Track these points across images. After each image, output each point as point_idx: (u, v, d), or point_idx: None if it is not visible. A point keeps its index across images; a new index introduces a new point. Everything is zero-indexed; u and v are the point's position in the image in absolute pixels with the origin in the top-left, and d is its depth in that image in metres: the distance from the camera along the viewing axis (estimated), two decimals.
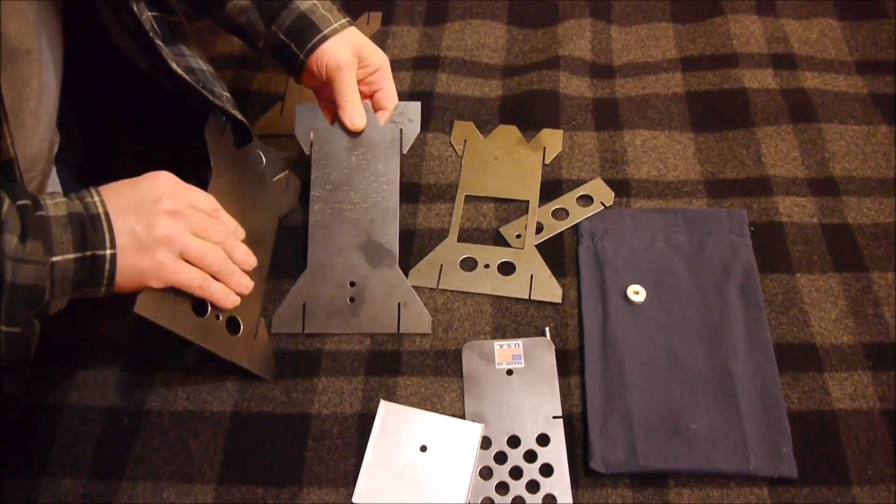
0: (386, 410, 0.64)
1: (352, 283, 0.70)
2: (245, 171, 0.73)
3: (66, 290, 0.53)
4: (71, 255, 0.52)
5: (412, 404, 0.65)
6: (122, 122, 0.78)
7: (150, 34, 0.63)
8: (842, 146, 0.82)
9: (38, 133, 0.60)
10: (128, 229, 0.55)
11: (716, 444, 0.61)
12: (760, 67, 0.89)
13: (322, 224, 0.72)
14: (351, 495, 0.60)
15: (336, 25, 0.70)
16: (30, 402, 0.65)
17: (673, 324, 0.68)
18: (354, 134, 0.73)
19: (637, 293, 0.70)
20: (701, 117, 0.85)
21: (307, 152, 0.74)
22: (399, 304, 0.70)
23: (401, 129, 0.73)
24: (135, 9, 0.61)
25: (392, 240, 0.71)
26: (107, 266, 0.54)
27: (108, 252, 0.54)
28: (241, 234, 0.65)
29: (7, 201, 0.49)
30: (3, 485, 0.61)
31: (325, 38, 0.69)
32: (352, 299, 0.70)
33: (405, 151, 0.73)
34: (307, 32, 0.69)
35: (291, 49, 0.70)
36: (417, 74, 0.90)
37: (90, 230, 0.53)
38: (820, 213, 0.76)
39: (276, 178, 0.76)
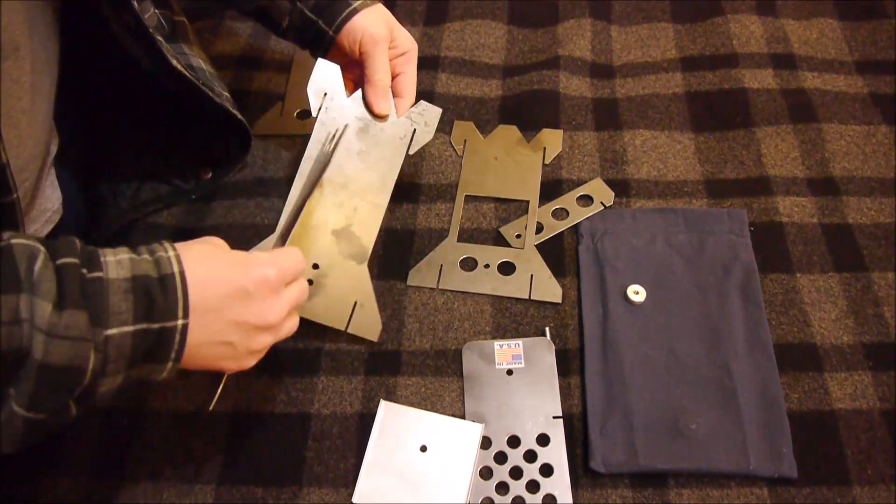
0: (386, 410, 0.64)
1: (315, 266, 0.67)
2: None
3: (121, 367, 0.44)
4: (130, 328, 0.43)
5: (412, 404, 0.65)
6: (123, 122, 0.78)
7: (152, 32, 0.62)
8: (842, 146, 0.82)
9: (32, 133, 0.60)
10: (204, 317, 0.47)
11: (716, 444, 0.61)
12: (760, 67, 0.89)
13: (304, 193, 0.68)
14: (351, 495, 0.60)
15: None
16: None
17: (673, 324, 0.68)
18: (367, 115, 0.70)
19: (637, 293, 0.70)
20: (701, 117, 0.85)
21: (313, 113, 0.69)
22: (355, 303, 0.68)
23: (414, 129, 0.71)
24: (136, 7, 0.61)
25: (370, 237, 0.69)
26: (177, 338, 0.46)
27: (180, 322, 0.45)
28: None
29: (42, 257, 0.41)
30: (3, 485, 0.60)
31: (356, 10, 0.66)
32: (310, 281, 0.67)
33: (411, 153, 0.71)
34: (336, 5, 0.66)
35: (319, 26, 0.68)
36: (417, 74, 0.90)
37: (159, 295, 0.44)
38: (820, 213, 0.76)
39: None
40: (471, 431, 0.63)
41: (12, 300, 0.39)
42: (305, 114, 0.87)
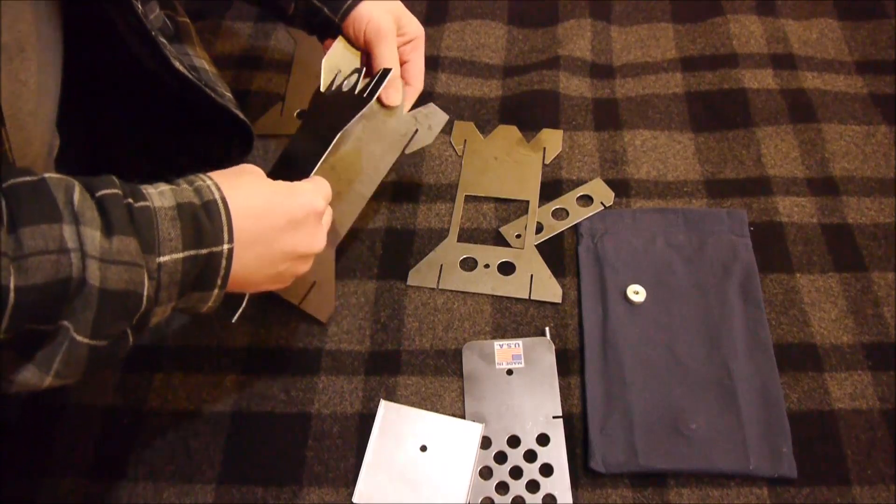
0: (386, 410, 0.64)
1: None
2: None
3: (174, 295, 0.45)
4: (180, 255, 0.44)
5: (412, 404, 0.65)
6: (124, 122, 0.78)
7: (155, 34, 0.62)
8: (842, 146, 0.82)
9: (37, 134, 0.60)
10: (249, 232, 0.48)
11: (716, 444, 0.61)
12: (760, 67, 0.89)
13: (290, 161, 0.65)
14: (351, 495, 0.60)
15: None
16: (30, 402, 0.65)
17: (673, 324, 0.68)
18: (374, 104, 0.67)
19: (637, 293, 0.70)
20: (701, 117, 0.85)
21: (321, 88, 0.67)
22: (314, 283, 0.68)
23: (416, 129, 0.70)
24: (139, 8, 0.61)
25: (345, 223, 0.68)
26: (223, 263, 0.46)
27: (226, 247, 0.46)
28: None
29: (78, 189, 0.41)
30: (3, 485, 0.61)
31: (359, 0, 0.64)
32: None
33: (408, 152, 0.71)
34: None
35: (324, 13, 0.66)
36: None
37: (205, 221, 0.45)
38: (820, 213, 0.76)
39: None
40: (471, 431, 0.63)
41: (55, 230, 0.38)
42: (306, 114, 0.87)
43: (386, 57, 0.65)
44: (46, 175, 0.41)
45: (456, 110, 0.87)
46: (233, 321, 0.58)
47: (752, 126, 0.84)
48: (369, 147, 0.68)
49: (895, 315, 0.69)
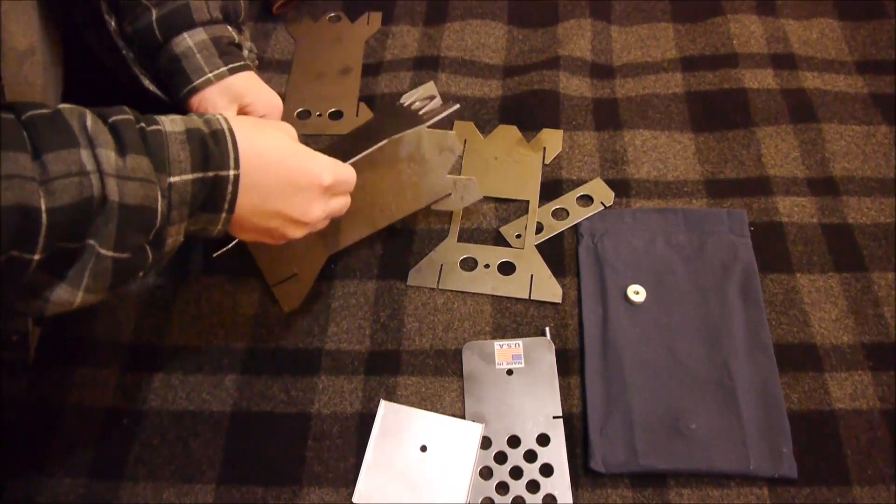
0: (386, 410, 0.64)
1: None
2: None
3: (184, 215, 0.47)
4: (189, 176, 0.46)
5: (412, 404, 0.65)
6: None
7: (125, 52, 0.61)
8: (842, 146, 0.82)
9: None
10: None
11: (716, 444, 0.61)
12: (760, 67, 0.89)
13: (334, 149, 0.64)
14: (351, 495, 0.60)
15: (210, 76, 0.62)
16: (30, 402, 0.65)
17: (673, 324, 0.68)
18: (427, 150, 0.68)
19: (637, 293, 0.70)
20: (701, 117, 0.85)
21: (401, 100, 0.69)
22: (295, 274, 0.69)
23: (450, 194, 0.72)
24: (110, 24, 0.59)
25: (350, 237, 0.70)
26: (229, 188, 0.48)
27: (232, 173, 0.48)
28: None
29: (91, 116, 0.43)
30: (3, 485, 0.61)
31: (196, 89, 0.62)
32: None
33: (433, 208, 0.73)
34: (179, 79, 0.63)
35: (171, 87, 0.65)
36: (417, 74, 0.90)
37: (212, 146, 0.47)
38: (820, 213, 0.76)
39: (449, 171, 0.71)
40: (471, 431, 0.63)
41: (74, 154, 0.41)
42: (305, 114, 0.87)
43: None
44: (60, 105, 0.43)
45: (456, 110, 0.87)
46: (213, 256, 0.63)
47: (753, 126, 0.84)
48: (403, 186, 0.70)
49: (895, 315, 0.69)
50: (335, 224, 0.67)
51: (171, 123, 0.47)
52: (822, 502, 0.59)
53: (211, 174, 0.47)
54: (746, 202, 0.77)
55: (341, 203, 0.59)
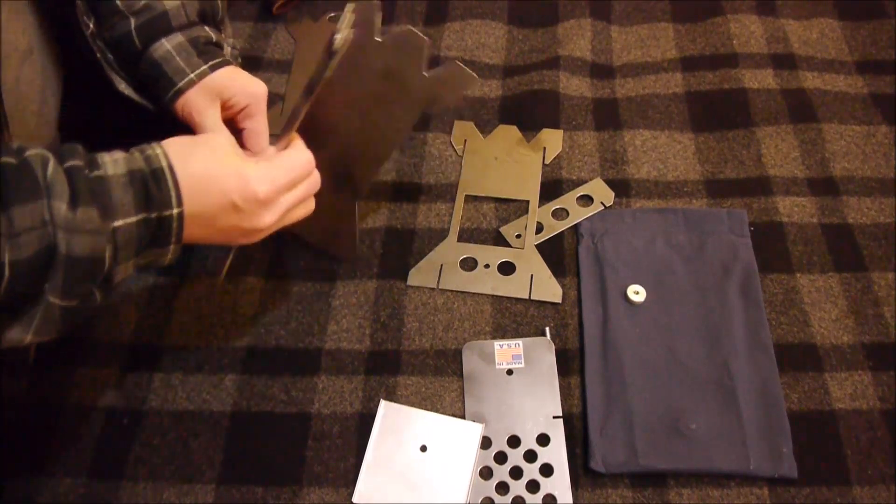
0: (386, 410, 0.64)
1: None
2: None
3: (131, 254, 0.48)
4: (133, 218, 0.47)
5: (412, 404, 0.65)
6: (122, 123, 0.78)
7: (99, 53, 0.61)
8: (842, 146, 0.82)
9: (41, 135, 0.60)
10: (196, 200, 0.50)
11: (716, 444, 0.61)
12: (760, 67, 0.89)
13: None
14: (351, 495, 0.60)
15: (192, 76, 0.62)
16: (30, 402, 0.65)
17: (673, 324, 0.68)
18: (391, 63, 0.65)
19: (637, 293, 0.70)
20: (701, 117, 0.85)
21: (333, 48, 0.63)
22: (335, 231, 0.71)
23: (440, 92, 0.66)
24: (88, 25, 0.59)
25: (366, 178, 0.70)
26: (174, 225, 0.49)
27: (175, 211, 0.49)
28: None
29: (52, 163, 0.44)
30: (3, 485, 0.61)
31: (181, 91, 0.62)
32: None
33: (434, 113, 0.70)
34: (162, 82, 0.62)
35: (156, 92, 0.64)
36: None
37: (153, 189, 0.48)
38: (820, 213, 0.76)
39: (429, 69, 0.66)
40: (471, 431, 0.63)
41: (40, 206, 0.42)
42: None
43: (208, 130, 0.63)
44: (28, 153, 0.44)
45: (456, 110, 0.87)
46: (221, 277, 0.62)
47: (752, 126, 0.84)
48: (385, 109, 0.67)
49: (895, 315, 0.69)
50: (344, 175, 0.68)
51: (113, 165, 0.47)
52: (822, 502, 0.59)
53: (154, 215, 0.48)
54: (746, 202, 0.77)
55: (301, 191, 0.57)
